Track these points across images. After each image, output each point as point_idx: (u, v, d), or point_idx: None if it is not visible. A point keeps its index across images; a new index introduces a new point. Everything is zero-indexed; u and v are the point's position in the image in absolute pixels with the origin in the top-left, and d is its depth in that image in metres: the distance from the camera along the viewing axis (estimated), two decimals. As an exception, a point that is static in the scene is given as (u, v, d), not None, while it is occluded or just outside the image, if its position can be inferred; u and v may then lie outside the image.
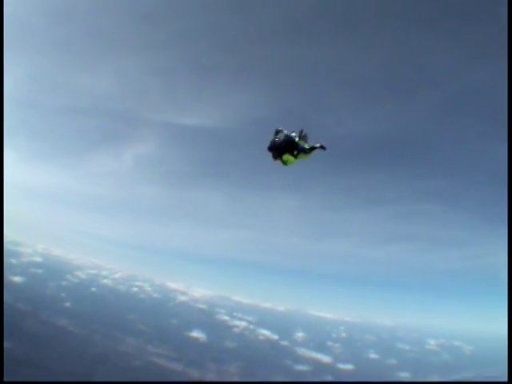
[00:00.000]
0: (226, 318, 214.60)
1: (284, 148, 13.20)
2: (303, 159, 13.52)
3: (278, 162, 13.40)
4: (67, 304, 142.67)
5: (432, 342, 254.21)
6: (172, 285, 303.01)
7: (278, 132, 13.91)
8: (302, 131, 13.88)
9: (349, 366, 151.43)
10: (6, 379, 64.90)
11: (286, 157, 13.16)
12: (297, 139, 13.73)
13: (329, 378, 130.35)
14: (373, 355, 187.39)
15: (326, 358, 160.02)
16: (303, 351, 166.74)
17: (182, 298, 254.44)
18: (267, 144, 13.62)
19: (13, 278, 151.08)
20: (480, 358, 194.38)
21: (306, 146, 13.58)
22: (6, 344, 78.93)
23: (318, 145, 13.73)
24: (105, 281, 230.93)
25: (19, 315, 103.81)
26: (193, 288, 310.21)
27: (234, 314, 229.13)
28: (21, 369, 72.29)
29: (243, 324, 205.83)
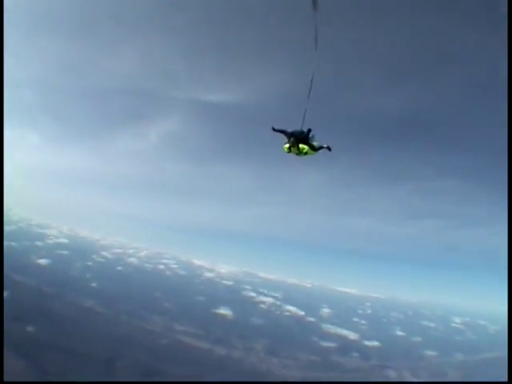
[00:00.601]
0: (253, 294, 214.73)
1: (300, 140, 14.76)
2: (310, 154, 15.09)
3: (291, 153, 14.95)
4: (93, 284, 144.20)
5: (457, 320, 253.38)
6: (198, 262, 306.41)
7: (276, 130, 15.52)
8: (310, 130, 14.93)
9: (375, 343, 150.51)
10: (30, 364, 65.96)
11: (303, 146, 14.69)
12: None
13: (355, 355, 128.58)
14: (399, 332, 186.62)
15: (352, 335, 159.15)
16: (329, 327, 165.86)
17: (208, 275, 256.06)
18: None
19: (38, 261, 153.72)
20: (505, 339, 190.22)
21: (315, 144, 15.18)
22: (28, 328, 79.68)
23: (325, 145, 15.41)
24: (131, 259, 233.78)
25: (44, 298, 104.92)
26: (219, 265, 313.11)
27: (261, 290, 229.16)
28: (45, 353, 71.54)
29: (270, 300, 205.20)
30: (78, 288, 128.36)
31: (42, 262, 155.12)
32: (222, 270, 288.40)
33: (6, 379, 56.57)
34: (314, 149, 15.03)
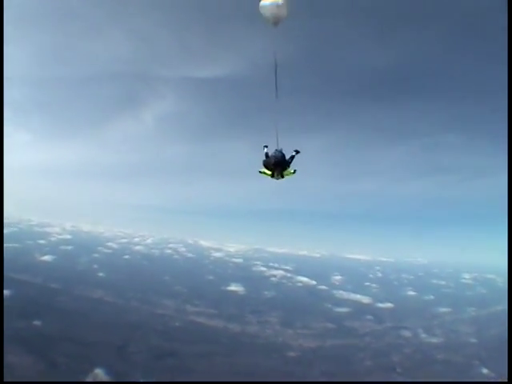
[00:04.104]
0: (263, 269, 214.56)
1: (283, 163, 14.81)
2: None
3: (273, 177, 14.81)
4: (101, 275, 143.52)
5: (466, 276, 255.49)
6: (205, 243, 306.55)
7: (266, 153, 15.59)
8: (281, 149, 15.24)
9: (388, 305, 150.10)
10: (39, 358, 64.83)
11: (287, 171, 14.86)
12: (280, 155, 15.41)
13: (369, 318, 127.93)
14: (410, 292, 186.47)
15: (365, 299, 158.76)
16: (342, 293, 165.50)
17: (217, 255, 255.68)
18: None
19: (42, 258, 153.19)
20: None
21: (289, 158, 15.29)
22: (35, 322, 78.84)
23: (294, 153, 15.44)
24: (137, 247, 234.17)
25: (51, 294, 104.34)
26: (227, 244, 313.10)
27: (271, 264, 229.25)
28: (53, 345, 71.05)
29: (280, 273, 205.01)
30: (85, 280, 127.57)
31: (47, 258, 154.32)
32: (231, 249, 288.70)
33: (16, 374, 56.73)
34: (290, 162, 15.23)
